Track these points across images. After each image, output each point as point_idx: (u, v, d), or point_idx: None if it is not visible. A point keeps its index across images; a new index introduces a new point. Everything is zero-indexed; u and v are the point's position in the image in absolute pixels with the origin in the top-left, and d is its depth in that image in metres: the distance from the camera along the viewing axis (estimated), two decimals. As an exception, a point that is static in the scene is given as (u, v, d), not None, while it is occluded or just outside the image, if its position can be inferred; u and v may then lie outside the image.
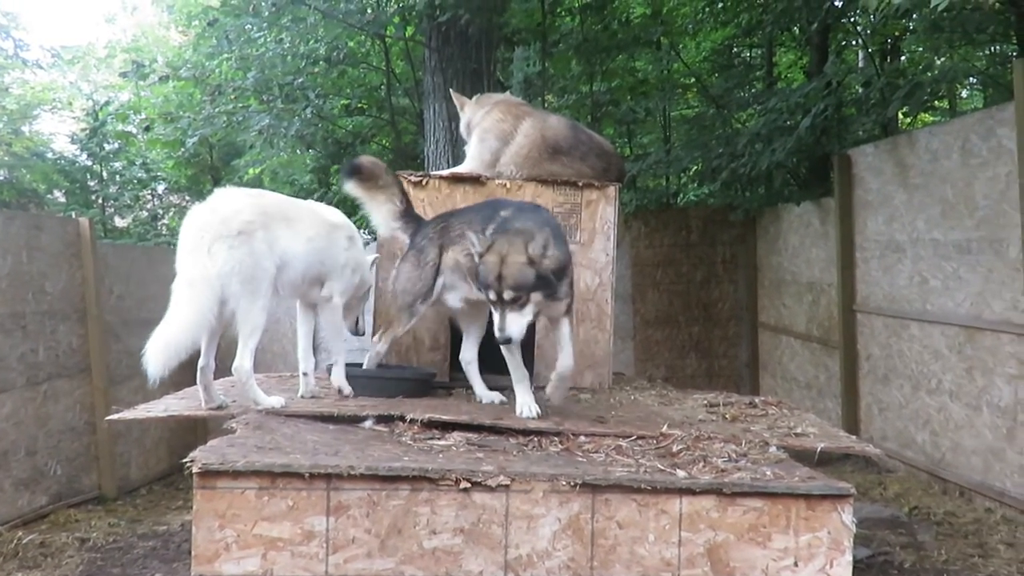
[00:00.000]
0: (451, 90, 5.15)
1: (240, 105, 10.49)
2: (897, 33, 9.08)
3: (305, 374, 3.98)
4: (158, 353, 3.24)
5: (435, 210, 4.41)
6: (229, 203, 3.56)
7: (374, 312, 4.57)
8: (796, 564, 2.71)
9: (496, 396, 3.95)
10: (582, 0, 9.70)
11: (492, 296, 3.36)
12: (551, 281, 3.34)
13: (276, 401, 3.60)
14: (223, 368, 3.78)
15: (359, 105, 11.60)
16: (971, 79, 10.27)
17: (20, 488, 6.49)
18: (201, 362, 3.57)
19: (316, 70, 10.34)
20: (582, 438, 3.31)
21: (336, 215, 4.06)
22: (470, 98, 5.05)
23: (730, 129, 9.51)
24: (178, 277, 3.43)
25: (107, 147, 14.22)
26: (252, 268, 3.45)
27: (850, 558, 2.72)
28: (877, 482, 6.46)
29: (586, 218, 4.53)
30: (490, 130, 4.78)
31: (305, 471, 2.67)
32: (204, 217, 3.50)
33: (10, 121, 14.84)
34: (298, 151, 12.06)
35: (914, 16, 7.55)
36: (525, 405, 3.62)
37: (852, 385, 7.34)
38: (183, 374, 3.55)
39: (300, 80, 9.97)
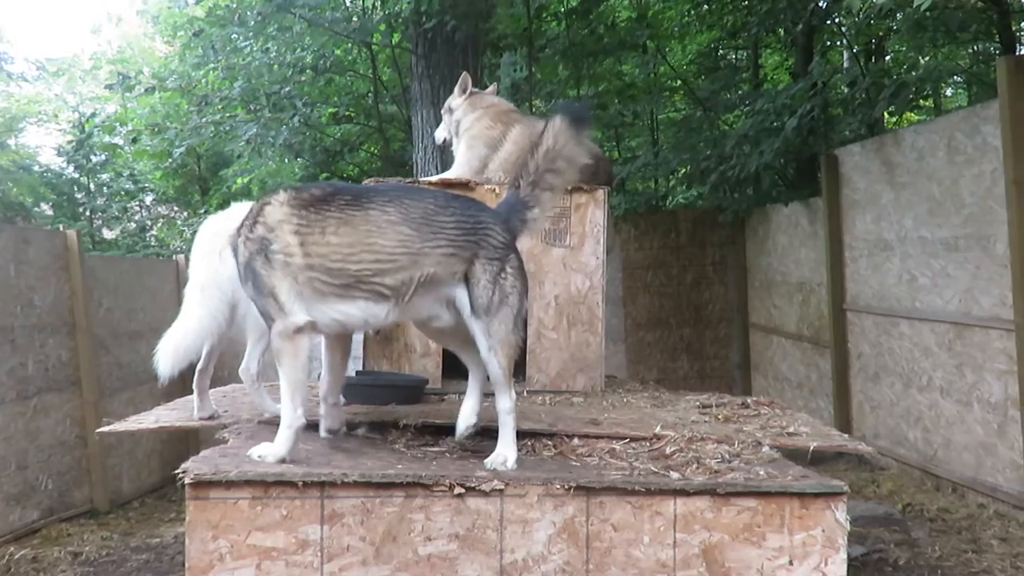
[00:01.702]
0: (464, 73, 5.12)
1: (227, 115, 10.48)
2: (881, 33, 9.15)
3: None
4: (168, 355, 3.30)
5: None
6: (244, 212, 3.61)
7: None
8: (791, 563, 2.72)
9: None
10: (568, 5, 9.74)
11: None
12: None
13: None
14: (215, 378, 3.77)
15: (347, 113, 11.61)
16: (955, 77, 10.34)
17: (11, 503, 6.44)
18: (200, 365, 3.58)
19: (303, 78, 10.34)
20: (575, 441, 3.30)
21: None
22: (474, 88, 5.02)
23: (717, 131, 9.55)
24: (190, 282, 3.49)
25: (94, 159, 14.18)
26: None
27: (844, 556, 2.73)
28: (870, 480, 6.48)
29: (575, 222, 4.53)
30: (479, 136, 4.78)
31: (298, 480, 2.66)
32: (218, 224, 3.56)
33: (-4, 134, 14.80)
34: (286, 160, 12.05)
35: (898, 16, 7.60)
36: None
37: (843, 384, 7.36)
38: (174, 384, 3.54)
39: (287, 89, 9.97)
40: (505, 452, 2.94)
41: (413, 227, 2.90)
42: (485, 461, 2.92)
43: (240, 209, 3.67)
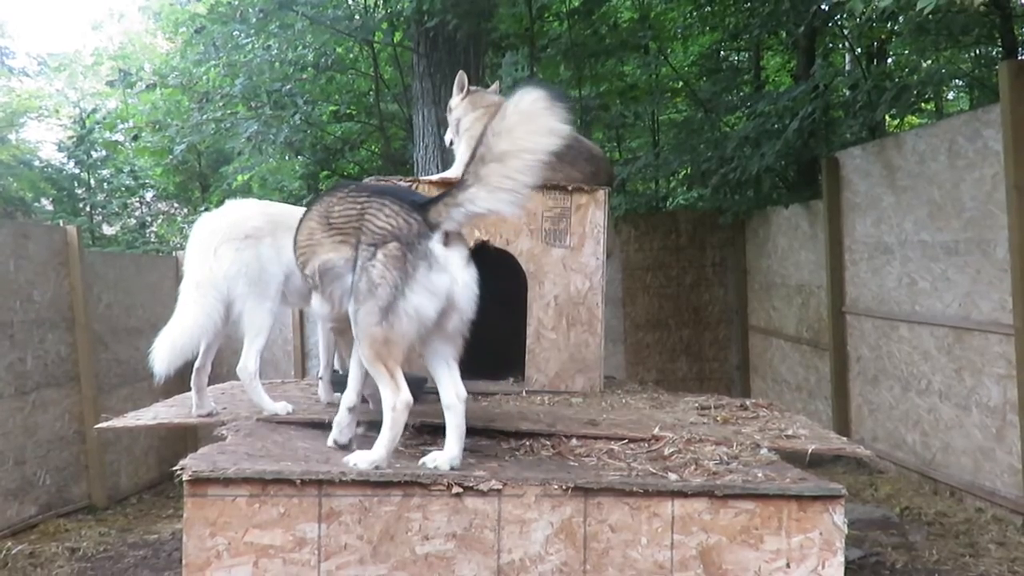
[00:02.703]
0: (460, 72, 5.12)
1: (228, 112, 10.48)
2: (883, 36, 9.15)
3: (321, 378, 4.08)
4: (164, 352, 3.32)
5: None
6: (239, 210, 3.68)
7: None
8: (788, 565, 2.72)
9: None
10: (570, 5, 9.73)
11: None
12: None
13: (281, 407, 3.59)
14: (214, 375, 3.77)
15: (348, 111, 11.60)
16: (957, 81, 10.33)
17: (9, 498, 6.44)
18: (198, 363, 3.59)
19: (304, 76, 10.35)
20: (574, 441, 3.30)
21: None
22: (473, 87, 5.02)
23: (719, 133, 9.54)
24: (185, 279, 3.53)
25: (94, 155, 14.15)
26: (259, 271, 3.51)
27: (842, 559, 2.73)
28: (868, 483, 6.48)
29: (576, 222, 4.53)
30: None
31: (296, 478, 2.65)
32: (214, 222, 3.59)
33: (-3, 129, 14.78)
34: (287, 157, 12.04)
35: (900, 19, 7.59)
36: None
37: (842, 387, 7.36)
38: (172, 381, 3.55)
39: (288, 86, 9.97)
40: (369, 452, 2.83)
41: (318, 221, 3.06)
42: (346, 458, 2.84)
43: (235, 207, 3.69)
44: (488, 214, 2.78)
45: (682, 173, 10.79)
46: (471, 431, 3.38)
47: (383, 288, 2.77)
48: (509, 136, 2.69)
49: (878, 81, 7.73)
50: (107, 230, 14.77)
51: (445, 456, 2.86)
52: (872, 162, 6.80)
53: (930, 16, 6.05)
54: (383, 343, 2.79)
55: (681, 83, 11.23)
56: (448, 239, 2.84)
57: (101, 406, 7.41)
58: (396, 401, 2.82)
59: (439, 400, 4.08)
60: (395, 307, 2.76)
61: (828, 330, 7.50)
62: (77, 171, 14.15)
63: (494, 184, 2.72)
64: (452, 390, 2.97)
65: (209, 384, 3.81)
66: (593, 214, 4.55)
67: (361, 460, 2.78)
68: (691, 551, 2.72)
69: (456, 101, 4.97)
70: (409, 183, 4.57)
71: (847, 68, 10.00)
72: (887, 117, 8.36)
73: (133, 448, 8.35)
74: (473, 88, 5.02)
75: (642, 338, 9.71)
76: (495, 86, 5.24)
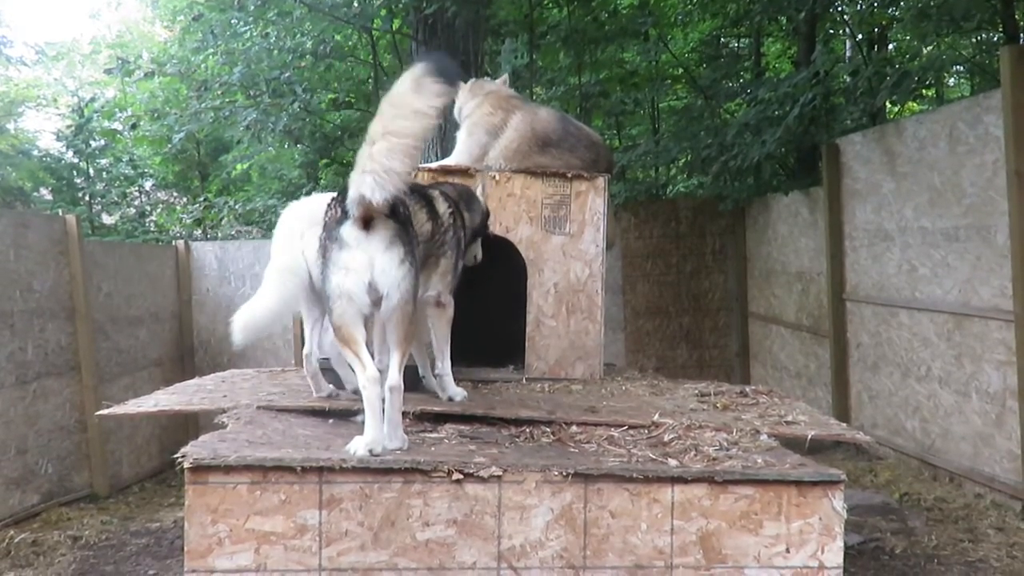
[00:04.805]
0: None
1: (227, 100, 10.44)
2: (884, 22, 9.11)
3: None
4: (241, 324, 3.40)
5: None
6: (328, 198, 3.70)
7: None
8: (788, 550, 2.73)
9: (461, 392, 3.75)
10: (569, -9, 9.69)
11: None
12: None
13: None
14: (216, 364, 3.77)
15: (347, 99, 11.56)
16: (958, 67, 10.30)
17: (11, 487, 6.46)
18: (305, 349, 3.68)
19: (303, 64, 10.30)
20: (574, 428, 3.31)
21: None
22: (464, 82, 5.03)
23: (719, 120, 9.52)
24: (270, 263, 3.58)
25: (93, 144, 14.10)
26: None
27: (841, 544, 2.74)
28: (868, 469, 6.50)
29: (575, 209, 4.53)
30: (479, 124, 4.76)
31: (297, 465, 2.66)
32: (302, 208, 3.67)
33: (-5, 118, 14.74)
34: (286, 146, 12.01)
35: (901, 4, 7.56)
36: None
37: (842, 373, 7.37)
38: (173, 370, 3.56)
39: (287, 75, 9.94)
40: (361, 436, 2.82)
41: None
42: (347, 445, 2.82)
43: (324, 197, 3.74)
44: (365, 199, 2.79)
45: (682, 160, 10.75)
46: (469, 419, 3.39)
47: (323, 280, 2.92)
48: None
49: (879, 67, 7.70)
50: (106, 219, 14.73)
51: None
52: (872, 149, 6.78)
53: (931, 1, 6.04)
54: (336, 329, 2.88)
55: (681, 70, 11.19)
56: (370, 224, 2.85)
57: (102, 395, 7.41)
58: (363, 379, 2.82)
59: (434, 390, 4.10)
60: (328, 292, 2.88)
61: (828, 317, 7.51)
62: (76, 160, 14.10)
63: (366, 169, 2.79)
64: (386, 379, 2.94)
65: (209, 373, 3.82)
66: (593, 201, 4.54)
67: (358, 446, 2.77)
68: (691, 536, 2.73)
69: (455, 98, 4.97)
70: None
71: (848, 54, 9.98)
72: (887, 103, 8.33)
73: (134, 437, 8.37)
74: (472, 82, 5.03)
75: (642, 325, 9.72)
76: (503, 78, 5.22)
